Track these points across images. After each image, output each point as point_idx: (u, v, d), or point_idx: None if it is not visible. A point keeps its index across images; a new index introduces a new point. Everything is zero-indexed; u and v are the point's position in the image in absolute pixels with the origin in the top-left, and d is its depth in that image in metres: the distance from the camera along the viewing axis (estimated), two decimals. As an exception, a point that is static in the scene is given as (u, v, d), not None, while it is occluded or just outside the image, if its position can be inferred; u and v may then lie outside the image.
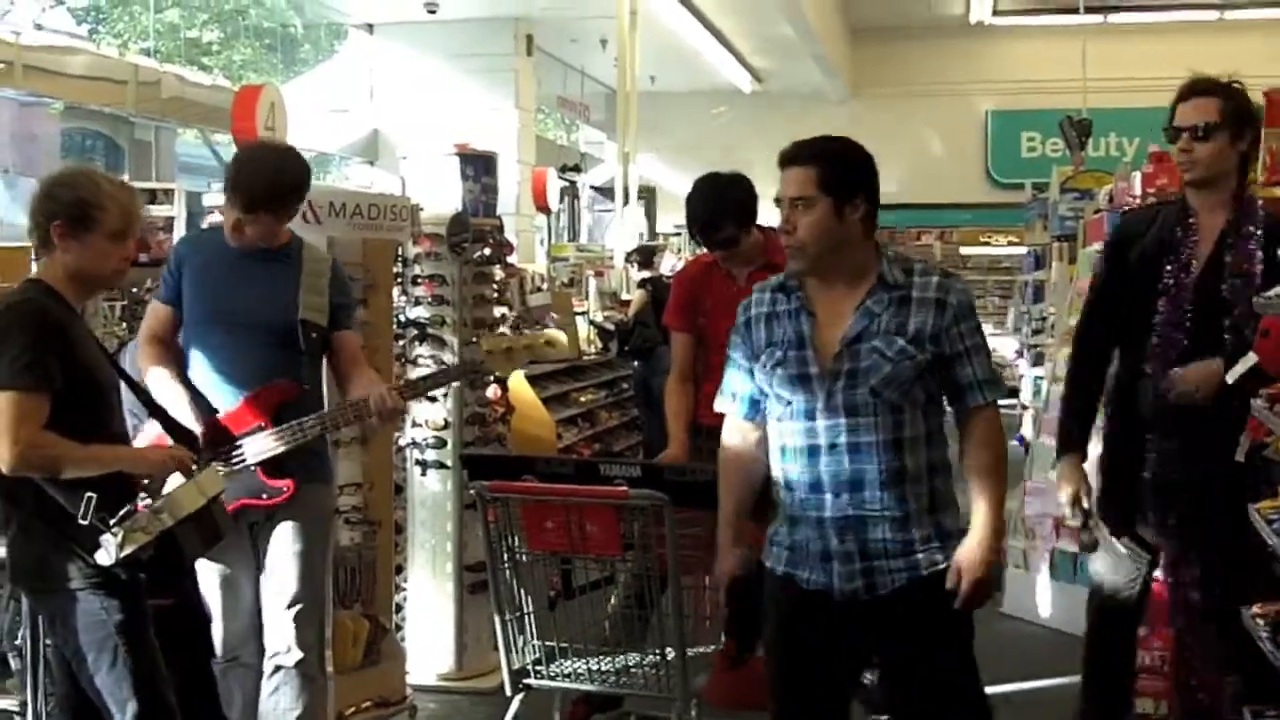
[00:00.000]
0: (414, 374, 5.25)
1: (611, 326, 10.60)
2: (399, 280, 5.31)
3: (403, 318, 5.36)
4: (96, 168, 3.55)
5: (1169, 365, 3.67)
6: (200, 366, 3.76)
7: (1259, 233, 3.61)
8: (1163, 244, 3.77)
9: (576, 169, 17.27)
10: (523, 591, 3.74)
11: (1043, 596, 6.33)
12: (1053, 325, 8.90)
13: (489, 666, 5.22)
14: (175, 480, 3.25)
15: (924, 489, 2.99)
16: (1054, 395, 6.40)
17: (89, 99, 11.06)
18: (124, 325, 5.35)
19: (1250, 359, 3.25)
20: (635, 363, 9.74)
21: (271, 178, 3.71)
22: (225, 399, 3.72)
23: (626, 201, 13.44)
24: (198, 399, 3.72)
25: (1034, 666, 5.38)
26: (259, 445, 3.68)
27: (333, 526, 4.21)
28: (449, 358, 5.33)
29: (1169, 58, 15.00)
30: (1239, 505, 3.40)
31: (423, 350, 5.37)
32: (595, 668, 3.74)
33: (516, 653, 3.75)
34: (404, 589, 5.41)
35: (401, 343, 5.33)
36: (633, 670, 3.73)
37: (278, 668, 3.71)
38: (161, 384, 3.70)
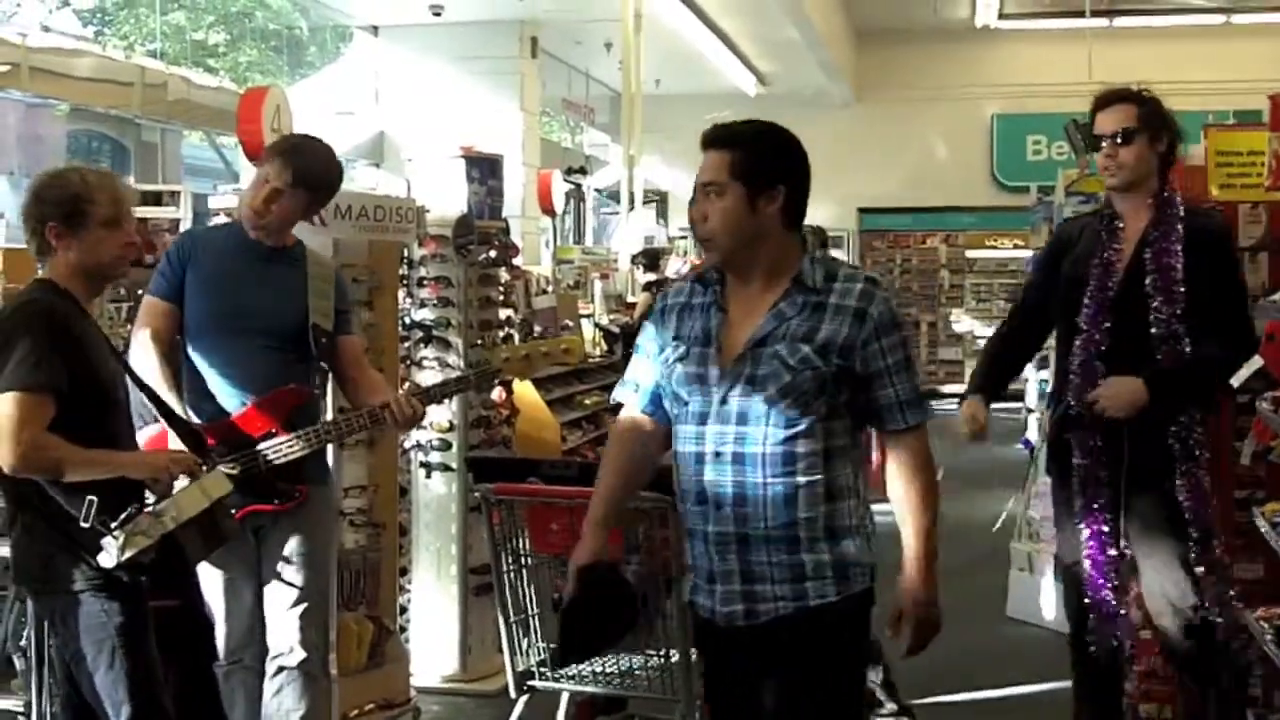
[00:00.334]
0: (419, 376, 5.26)
1: (616, 329, 10.58)
2: (404, 282, 5.33)
3: (408, 320, 5.37)
4: (102, 168, 3.56)
5: (1090, 367, 3.80)
6: (206, 368, 3.73)
7: (1180, 229, 3.77)
8: (1091, 248, 3.91)
9: (582, 171, 17.23)
10: (527, 594, 3.74)
11: (1047, 600, 6.30)
12: (1057, 328, 8.89)
13: (493, 669, 5.22)
14: (182, 483, 3.26)
15: (818, 512, 2.72)
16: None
17: (95, 101, 11.06)
18: (129, 326, 5.34)
19: (1255, 362, 3.28)
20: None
21: (326, 162, 3.85)
22: (232, 402, 3.70)
23: (632, 205, 13.43)
24: (199, 403, 3.71)
25: (1039, 670, 5.35)
26: (278, 449, 3.66)
27: (337, 527, 4.21)
28: (454, 359, 5.33)
29: (1175, 62, 15.11)
30: (1166, 490, 3.69)
31: (428, 352, 5.38)
32: (599, 670, 3.74)
33: (521, 655, 3.76)
34: (408, 591, 5.42)
35: (407, 344, 5.34)
36: (637, 672, 3.73)
37: (280, 668, 3.70)
38: (159, 389, 3.65)
